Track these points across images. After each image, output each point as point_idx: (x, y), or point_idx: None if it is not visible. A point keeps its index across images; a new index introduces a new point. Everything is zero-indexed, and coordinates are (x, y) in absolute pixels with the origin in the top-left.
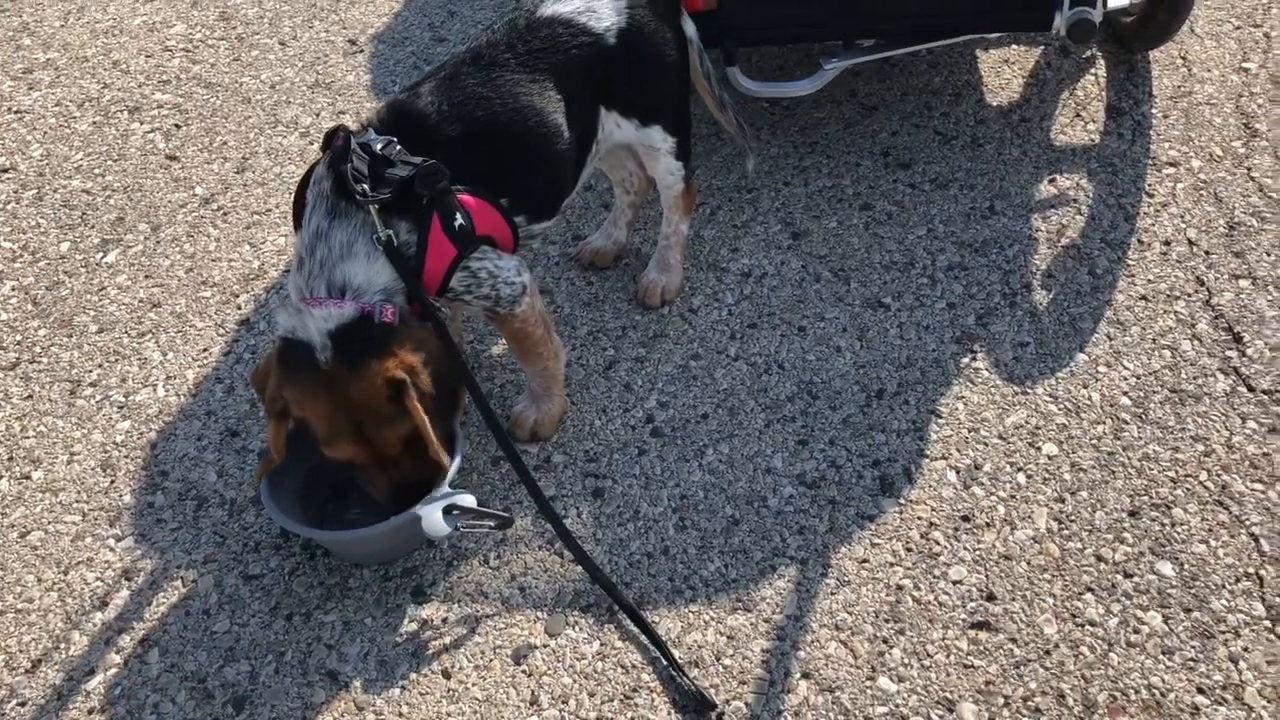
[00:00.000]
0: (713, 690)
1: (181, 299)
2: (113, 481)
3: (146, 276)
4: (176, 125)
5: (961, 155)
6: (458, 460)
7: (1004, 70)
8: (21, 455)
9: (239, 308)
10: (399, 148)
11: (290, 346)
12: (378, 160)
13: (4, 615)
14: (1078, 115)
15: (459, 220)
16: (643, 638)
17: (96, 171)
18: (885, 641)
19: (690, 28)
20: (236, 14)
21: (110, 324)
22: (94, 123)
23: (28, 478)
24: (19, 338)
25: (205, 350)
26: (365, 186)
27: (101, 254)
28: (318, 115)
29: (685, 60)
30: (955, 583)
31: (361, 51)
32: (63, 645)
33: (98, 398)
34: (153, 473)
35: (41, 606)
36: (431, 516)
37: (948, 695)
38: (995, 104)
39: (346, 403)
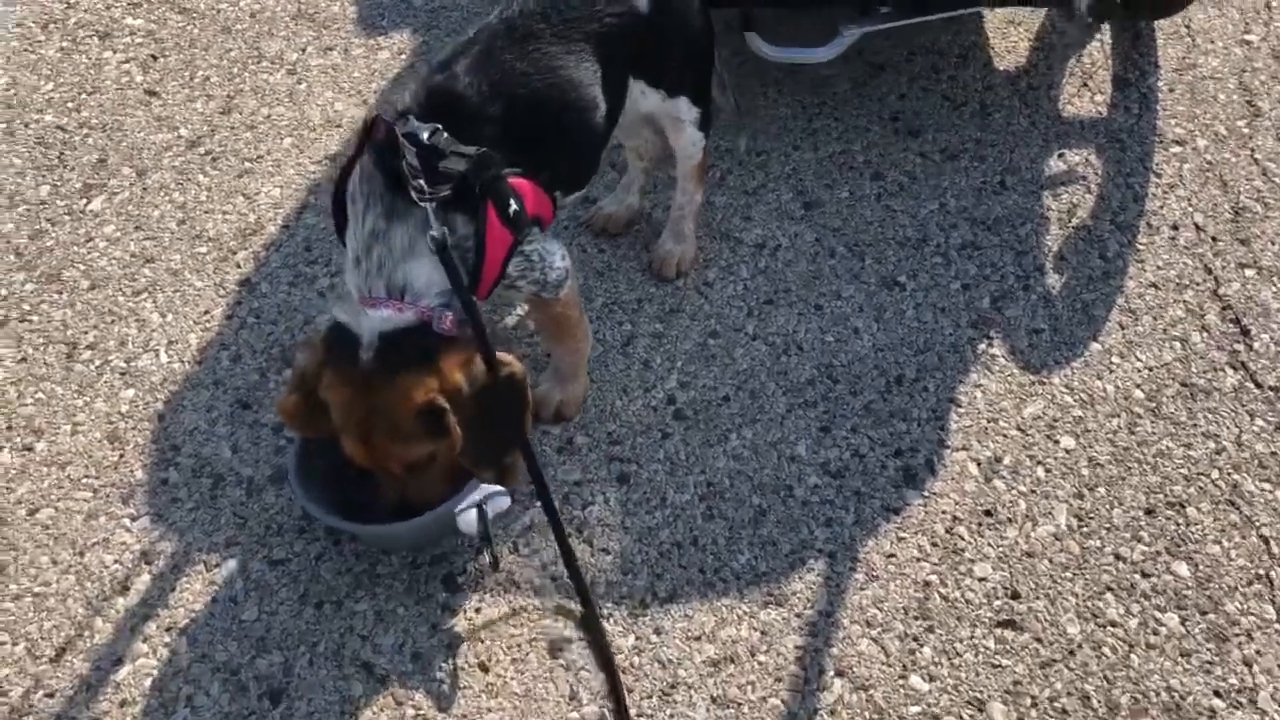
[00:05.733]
0: (749, 687)
1: (176, 254)
2: (122, 456)
3: (137, 228)
4: (153, 56)
5: (970, 124)
6: None
7: (1011, 32)
8: (21, 424)
9: (238, 265)
10: (446, 136)
11: (340, 332)
12: (427, 151)
13: (21, 600)
14: (1085, 85)
15: (513, 206)
16: (675, 633)
17: (70, 105)
18: (915, 639)
19: None
20: None
21: (103, 280)
22: (62, 49)
23: (30, 449)
24: (4, 292)
25: (206, 313)
26: (422, 183)
27: (85, 200)
28: (303, 51)
29: (712, 30)
30: (980, 579)
31: None
32: (86, 633)
33: (97, 362)
34: (163, 446)
35: (60, 591)
36: (466, 515)
37: (977, 695)
38: (1002, 69)
39: (369, 406)
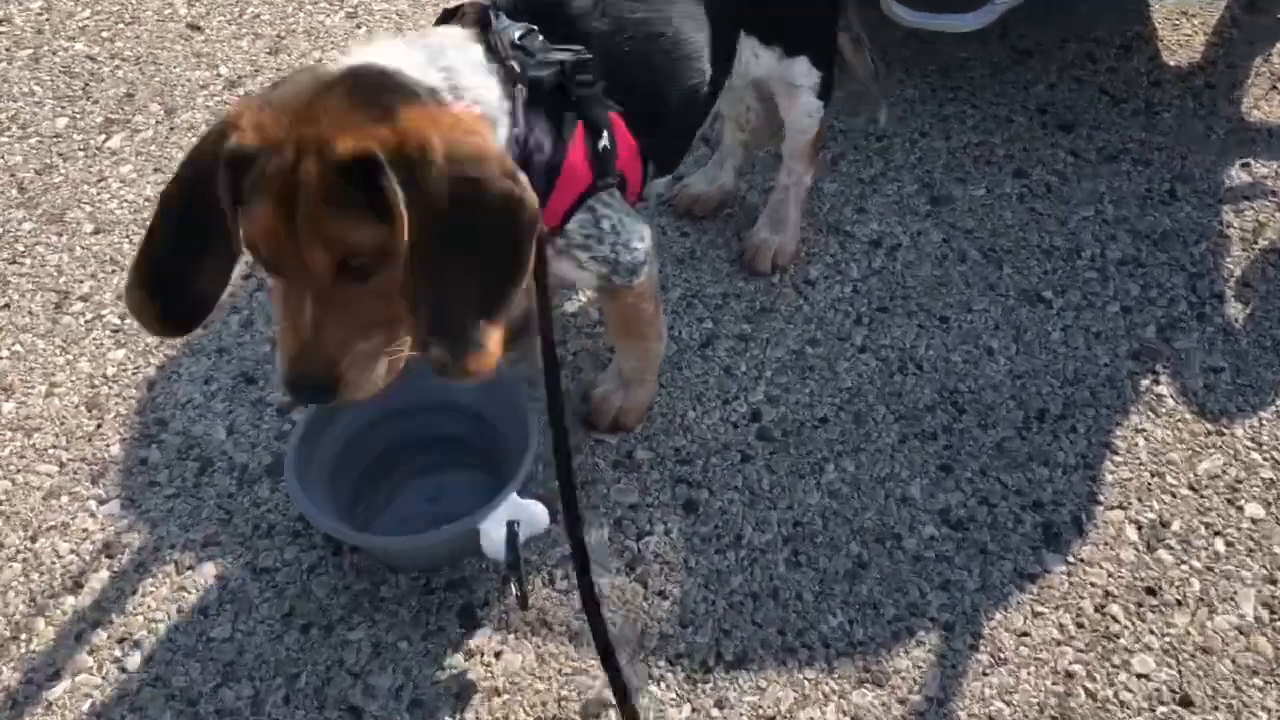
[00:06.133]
0: None
1: None
2: (99, 426)
3: (155, 170)
4: None
5: (1133, 122)
6: (529, 457)
7: (1182, 24)
8: None
9: None
10: (541, 39)
11: None
12: (517, 50)
13: None
14: (1275, 88)
15: (604, 141)
16: (742, 707)
17: (105, 35)
18: None
19: None
20: None
21: (109, 224)
22: None
23: None
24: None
25: None
26: (514, 64)
27: (104, 136)
28: None
29: None
30: (1140, 677)
31: None
32: (23, 635)
33: (88, 316)
34: (148, 420)
35: (1, 581)
36: (493, 533)
37: None
38: (1173, 64)
39: (296, 139)
